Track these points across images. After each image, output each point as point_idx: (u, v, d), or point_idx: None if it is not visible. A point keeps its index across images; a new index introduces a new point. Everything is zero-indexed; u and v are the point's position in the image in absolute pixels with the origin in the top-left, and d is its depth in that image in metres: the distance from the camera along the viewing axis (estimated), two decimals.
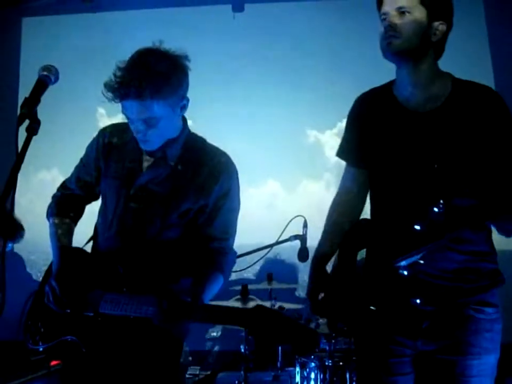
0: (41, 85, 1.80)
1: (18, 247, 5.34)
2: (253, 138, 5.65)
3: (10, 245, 2.57)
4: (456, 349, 2.04)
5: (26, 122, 1.72)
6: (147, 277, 2.22)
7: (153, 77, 2.12)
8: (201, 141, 2.42)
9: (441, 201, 1.86)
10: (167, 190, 2.29)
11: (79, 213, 2.58)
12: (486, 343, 2.05)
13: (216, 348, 4.49)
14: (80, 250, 2.40)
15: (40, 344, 2.31)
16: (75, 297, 2.21)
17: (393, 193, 2.15)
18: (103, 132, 2.45)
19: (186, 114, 2.37)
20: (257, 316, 1.87)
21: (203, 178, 2.29)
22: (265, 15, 5.68)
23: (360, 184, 2.31)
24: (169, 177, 2.31)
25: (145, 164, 2.34)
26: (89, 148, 2.48)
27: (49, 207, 2.56)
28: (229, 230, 2.35)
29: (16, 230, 2.99)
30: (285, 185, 5.80)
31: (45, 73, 1.82)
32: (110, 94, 2.14)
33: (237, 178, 2.37)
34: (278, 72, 5.56)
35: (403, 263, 1.96)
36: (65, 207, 2.54)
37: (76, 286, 2.22)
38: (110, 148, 2.41)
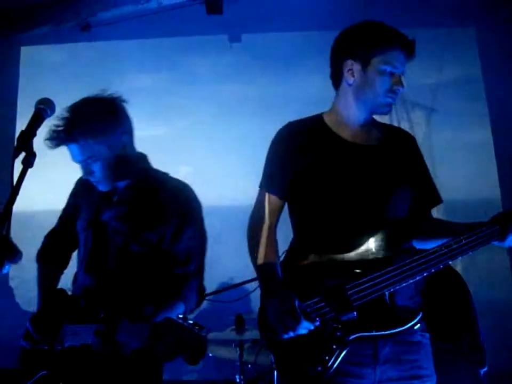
0: (38, 118, 1.82)
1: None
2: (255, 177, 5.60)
3: (7, 267, 2.61)
4: (413, 374, 2.15)
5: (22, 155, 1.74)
6: (111, 307, 2.27)
7: (81, 119, 2.28)
8: (161, 175, 2.51)
9: None
10: (126, 225, 2.38)
11: (64, 259, 2.68)
12: (431, 366, 2.21)
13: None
14: (58, 291, 2.48)
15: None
16: (47, 334, 2.31)
17: (337, 223, 2.19)
18: (79, 179, 2.58)
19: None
20: (160, 328, 1.91)
21: (161, 207, 2.38)
22: (262, 45, 5.72)
23: (278, 215, 2.35)
24: (127, 212, 2.40)
25: (109, 203, 2.44)
26: (69, 196, 2.64)
27: (38, 252, 2.67)
28: (192, 255, 2.39)
29: (14, 252, 3.11)
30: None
31: (42, 106, 1.84)
32: (47, 142, 2.28)
33: (199, 206, 2.44)
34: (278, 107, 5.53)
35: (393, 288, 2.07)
36: (50, 253, 2.65)
37: (49, 324, 2.32)
38: (83, 193, 2.54)
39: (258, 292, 2.78)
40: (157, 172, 2.52)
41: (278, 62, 5.61)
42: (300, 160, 2.25)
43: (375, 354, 2.13)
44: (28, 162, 1.73)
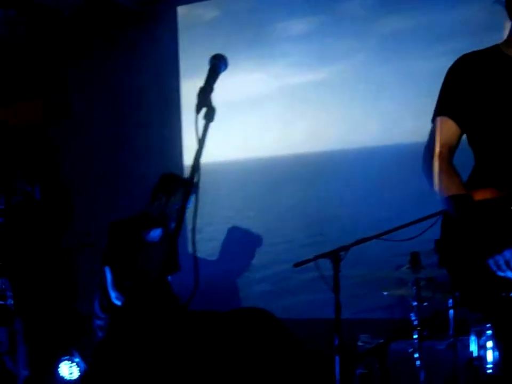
0: (214, 73, 1.91)
1: None
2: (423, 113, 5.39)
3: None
4: None
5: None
6: None
7: None
8: None
9: None
10: None
11: None
12: None
13: None
14: None
15: None
16: None
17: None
18: None
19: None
20: None
21: None
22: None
23: (457, 142, 2.28)
24: None
25: None
26: None
27: None
28: None
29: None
30: None
31: (216, 61, 1.93)
32: None
33: None
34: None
35: None
36: None
37: None
38: None
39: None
40: None
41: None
42: (479, 88, 2.20)
43: None
44: (210, 117, 1.83)
